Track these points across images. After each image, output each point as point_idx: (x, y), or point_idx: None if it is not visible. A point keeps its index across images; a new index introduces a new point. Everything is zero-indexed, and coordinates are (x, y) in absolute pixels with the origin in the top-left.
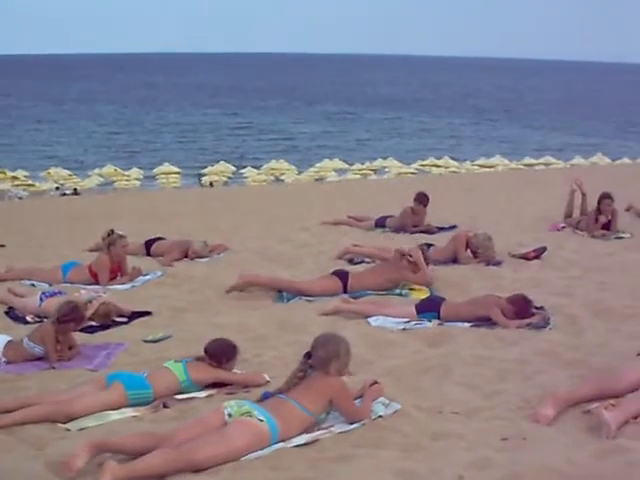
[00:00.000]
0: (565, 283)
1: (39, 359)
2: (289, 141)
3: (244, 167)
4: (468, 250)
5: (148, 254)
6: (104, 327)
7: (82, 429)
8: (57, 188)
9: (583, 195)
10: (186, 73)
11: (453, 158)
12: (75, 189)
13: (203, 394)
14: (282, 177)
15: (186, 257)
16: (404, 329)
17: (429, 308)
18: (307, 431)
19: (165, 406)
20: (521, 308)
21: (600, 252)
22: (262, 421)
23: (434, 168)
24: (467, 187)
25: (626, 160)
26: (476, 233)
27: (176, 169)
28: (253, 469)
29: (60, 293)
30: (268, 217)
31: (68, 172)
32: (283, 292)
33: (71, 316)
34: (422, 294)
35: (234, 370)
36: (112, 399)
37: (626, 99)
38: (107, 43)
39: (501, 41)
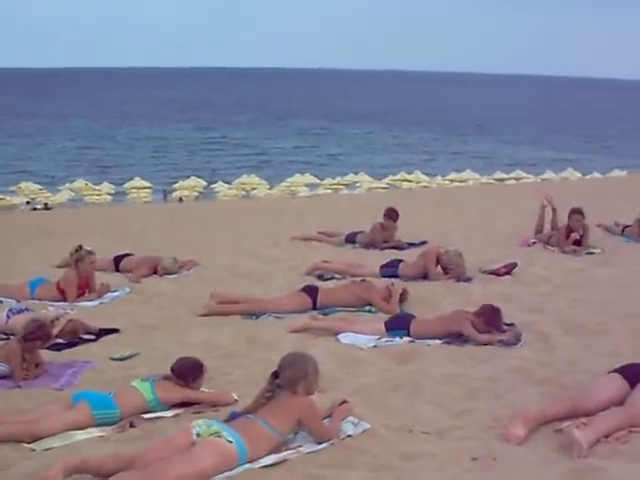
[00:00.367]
0: (536, 299)
1: (4, 377)
2: (261, 156)
3: (215, 182)
4: (438, 266)
5: (117, 270)
6: (71, 345)
7: (47, 449)
8: (28, 202)
9: (553, 210)
10: (159, 88)
11: (425, 173)
12: (46, 204)
13: (170, 413)
14: (253, 192)
15: (155, 273)
16: (375, 346)
17: (399, 325)
18: (275, 451)
19: (132, 426)
20: (489, 317)
21: (571, 268)
22: (231, 442)
23: (405, 183)
24: (438, 201)
25: (596, 174)
26: (447, 249)
27: (147, 184)
28: None
29: (27, 310)
30: (239, 232)
31: (39, 186)
32: None
33: (38, 334)
34: None
35: (202, 389)
36: (78, 419)
37: (596, 114)
38: (79, 58)
39: (472, 56)
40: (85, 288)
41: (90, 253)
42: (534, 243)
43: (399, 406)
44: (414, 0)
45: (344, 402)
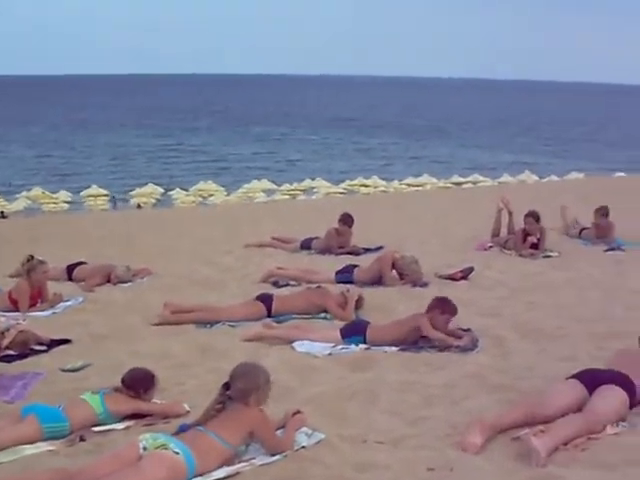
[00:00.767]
0: (492, 303)
1: None
2: (219, 162)
3: (172, 189)
4: (394, 271)
5: (70, 279)
6: (22, 356)
7: None
8: None
9: (510, 214)
10: (117, 94)
11: (382, 178)
12: (2, 212)
13: (121, 426)
14: (211, 198)
15: (109, 282)
16: (330, 354)
17: (354, 332)
18: (227, 464)
19: (82, 439)
20: (442, 305)
21: (528, 271)
22: (178, 454)
23: (363, 188)
24: (395, 206)
25: (554, 177)
26: (403, 255)
27: (104, 192)
28: None
29: None
30: (195, 239)
31: None
32: None
33: None
34: None
35: (154, 400)
36: (27, 433)
37: (557, 117)
38: (38, 65)
39: (434, 61)
40: (37, 298)
41: (42, 262)
42: (491, 247)
43: (354, 415)
44: (387, 4)
45: (298, 412)
